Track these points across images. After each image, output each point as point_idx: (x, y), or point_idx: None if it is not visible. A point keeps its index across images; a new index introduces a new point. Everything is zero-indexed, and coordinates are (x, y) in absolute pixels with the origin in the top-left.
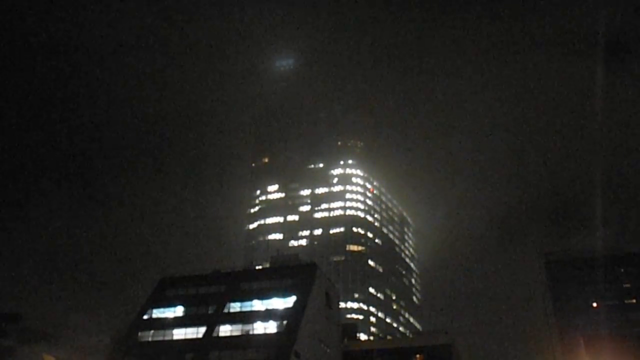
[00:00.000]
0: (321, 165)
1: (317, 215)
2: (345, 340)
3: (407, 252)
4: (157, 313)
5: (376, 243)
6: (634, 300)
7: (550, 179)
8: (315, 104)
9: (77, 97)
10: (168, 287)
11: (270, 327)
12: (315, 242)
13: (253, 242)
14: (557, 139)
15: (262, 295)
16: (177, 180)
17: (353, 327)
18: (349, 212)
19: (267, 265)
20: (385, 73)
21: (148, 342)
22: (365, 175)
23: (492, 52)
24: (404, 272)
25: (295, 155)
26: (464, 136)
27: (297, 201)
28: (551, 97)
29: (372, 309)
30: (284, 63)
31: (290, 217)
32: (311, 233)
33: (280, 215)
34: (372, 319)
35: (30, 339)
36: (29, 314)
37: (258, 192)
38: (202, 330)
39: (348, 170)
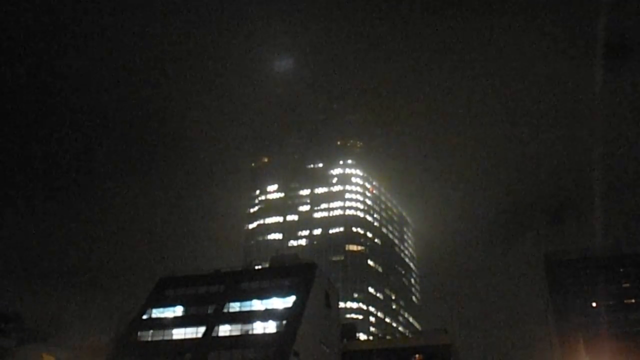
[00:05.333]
0: (321, 165)
1: (317, 215)
2: (345, 340)
3: (406, 252)
4: (157, 313)
5: (376, 243)
6: (634, 300)
7: (551, 179)
8: (315, 104)
9: (78, 95)
10: (167, 286)
11: (269, 327)
12: (315, 242)
13: (252, 242)
14: (557, 139)
15: (262, 295)
16: (177, 180)
17: (352, 327)
18: (348, 212)
19: (267, 265)
20: (385, 73)
21: (147, 341)
22: (365, 175)
23: (492, 52)
24: (403, 272)
25: (295, 155)
26: (464, 136)
27: (296, 201)
28: (551, 97)
29: (371, 308)
30: (284, 63)
31: (289, 217)
32: (310, 233)
33: (279, 215)
34: (372, 319)
35: (30, 339)
36: (29, 314)
37: (257, 192)
38: (202, 330)
39: (347, 170)
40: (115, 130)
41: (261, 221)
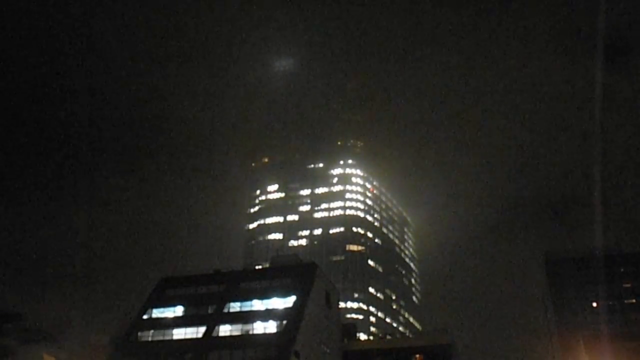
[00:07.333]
0: (321, 165)
1: (317, 215)
2: (345, 340)
3: (407, 252)
4: (157, 313)
5: (376, 243)
6: (634, 300)
7: (551, 178)
8: (315, 104)
9: (80, 94)
10: (168, 287)
11: (270, 327)
12: (315, 242)
13: (253, 242)
14: (557, 139)
15: (262, 295)
16: (177, 180)
17: (353, 327)
18: (348, 212)
19: (267, 265)
20: (385, 73)
21: (148, 342)
22: (365, 175)
23: (492, 52)
24: (403, 272)
25: (295, 155)
26: (464, 136)
27: (297, 201)
28: (551, 97)
29: (372, 308)
30: (284, 63)
31: (290, 217)
32: (311, 233)
33: (280, 215)
34: (372, 319)
35: (30, 339)
36: (29, 314)
37: (258, 192)
38: (202, 330)
39: (348, 170)
40: (116, 130)
41: (261, 221)
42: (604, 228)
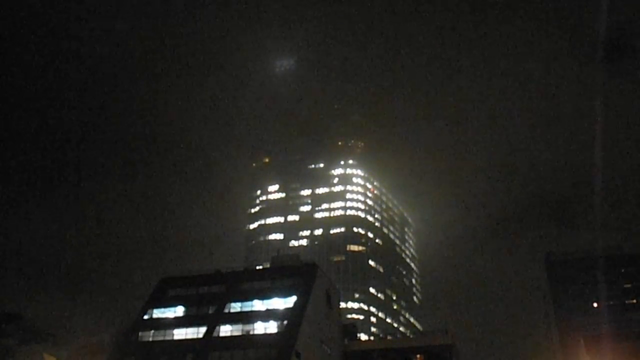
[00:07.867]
0: (322, 165)
1: (318, 215)
2: (346, 340)
3: (407, 252)
4: (158, 313)
5: (377, 243)
6: (634, 301)
7: (551, 179)
8: (316, 104)
9: (82, 95)
10: (168, 287)
11: (270, 327)
12: (316, 242)
13: (253, 242)
14: (557, 139)
15: (263, 296)
16: (178, 180)
17: (353, 327)
18: (349, 212)
19: (268, 265)
20: (386, 73)
21: (148, 342)
22: (366, 175)
23: (492, 52)
24: (404, 272)
25: (296, 155)
26: (465, 136)
27: (297, 201)
28: (551, 97)
29: (372, 309)
30: (285, 63)
31: (290, 217)
32: (312, 233)
33: (280, 216)
34: (373, 319)
35: (31, 339)
36: (29, 314)
37: (258, 192)
38: (203, 330)
39: (349, 170)
40: (117, 130)
41: (262, 221)
42: (604, 228)
